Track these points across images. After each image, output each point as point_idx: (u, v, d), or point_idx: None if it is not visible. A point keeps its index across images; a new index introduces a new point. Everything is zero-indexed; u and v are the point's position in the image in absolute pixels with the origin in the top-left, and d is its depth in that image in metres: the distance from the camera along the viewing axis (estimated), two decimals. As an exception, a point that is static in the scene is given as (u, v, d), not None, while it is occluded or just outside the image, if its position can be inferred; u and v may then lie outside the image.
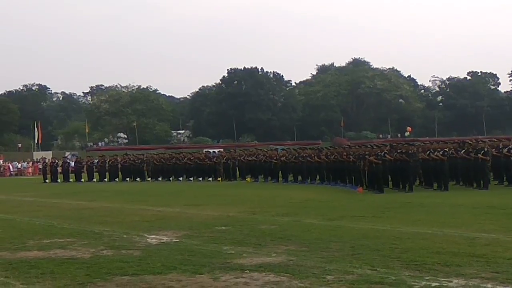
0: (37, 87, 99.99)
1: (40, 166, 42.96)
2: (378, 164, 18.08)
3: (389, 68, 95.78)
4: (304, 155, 24.62)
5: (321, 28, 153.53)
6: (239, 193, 19.69)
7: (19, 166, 51.88)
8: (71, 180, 33.75)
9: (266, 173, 27.38)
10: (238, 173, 29.80)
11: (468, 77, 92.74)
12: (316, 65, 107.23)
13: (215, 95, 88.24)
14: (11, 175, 49.23)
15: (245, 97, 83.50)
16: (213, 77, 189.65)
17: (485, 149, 17.78)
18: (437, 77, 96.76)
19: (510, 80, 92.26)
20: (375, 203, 14.25)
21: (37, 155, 58.43)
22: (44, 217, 13.10)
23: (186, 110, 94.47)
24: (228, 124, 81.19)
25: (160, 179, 31.55)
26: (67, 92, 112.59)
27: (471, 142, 19.26)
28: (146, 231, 10.07)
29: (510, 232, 8.68)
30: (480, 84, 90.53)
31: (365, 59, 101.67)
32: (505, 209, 11.79)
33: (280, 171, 26.62)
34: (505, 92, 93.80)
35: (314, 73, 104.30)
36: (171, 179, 31.18)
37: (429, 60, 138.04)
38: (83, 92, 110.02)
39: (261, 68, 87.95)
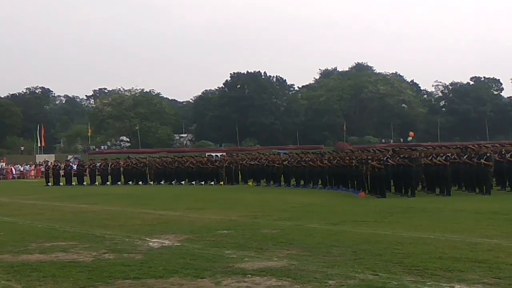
0: (40, 90, 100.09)
1: (43, 169, 42.98)
2: (380, 168, 18.07)
3: (392, 73, 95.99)
4: (307, 160, 24.62)
5: (324, 32, 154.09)
6: (241, 197, 19.68)
7: (21, 169, 52.02)
8: (73, 183, 33.71)
9: (268, 177, 27.44)
10: (240, 177, 29.87)
11: (471, 82, 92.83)
12: (319, 69, 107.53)
13: (218, 99, 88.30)
14: (13, 178, 49.31)
15: (248, 101, 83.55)
16: (216, 81, 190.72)
17: (488, 154, 17.75)
18: (440, 82, 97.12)
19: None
20: (377, 207, 14.22)
21: (40, 158, 58.43)
22: (46, 220, 13.11)
23: (188, 114, 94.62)
24: (231, 128, 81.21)
25: (162, 182, 31.59)
26: (70, 95, 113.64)
27: (473, 147, 19.25)
28: (148, 234, 10.06)
29: (513, 238, 8.66)
30: (483, 89, 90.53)
31: (368, 64, 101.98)
32: (507, 215, 11.76)
33: (282, 175, 26.60)
34: (508, 97, 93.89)
35: (317, 77, 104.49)
36: (173, 182, 31.21)
37: (432, 65, 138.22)
38: (86, 95, 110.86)
39: (264, 72, 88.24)
